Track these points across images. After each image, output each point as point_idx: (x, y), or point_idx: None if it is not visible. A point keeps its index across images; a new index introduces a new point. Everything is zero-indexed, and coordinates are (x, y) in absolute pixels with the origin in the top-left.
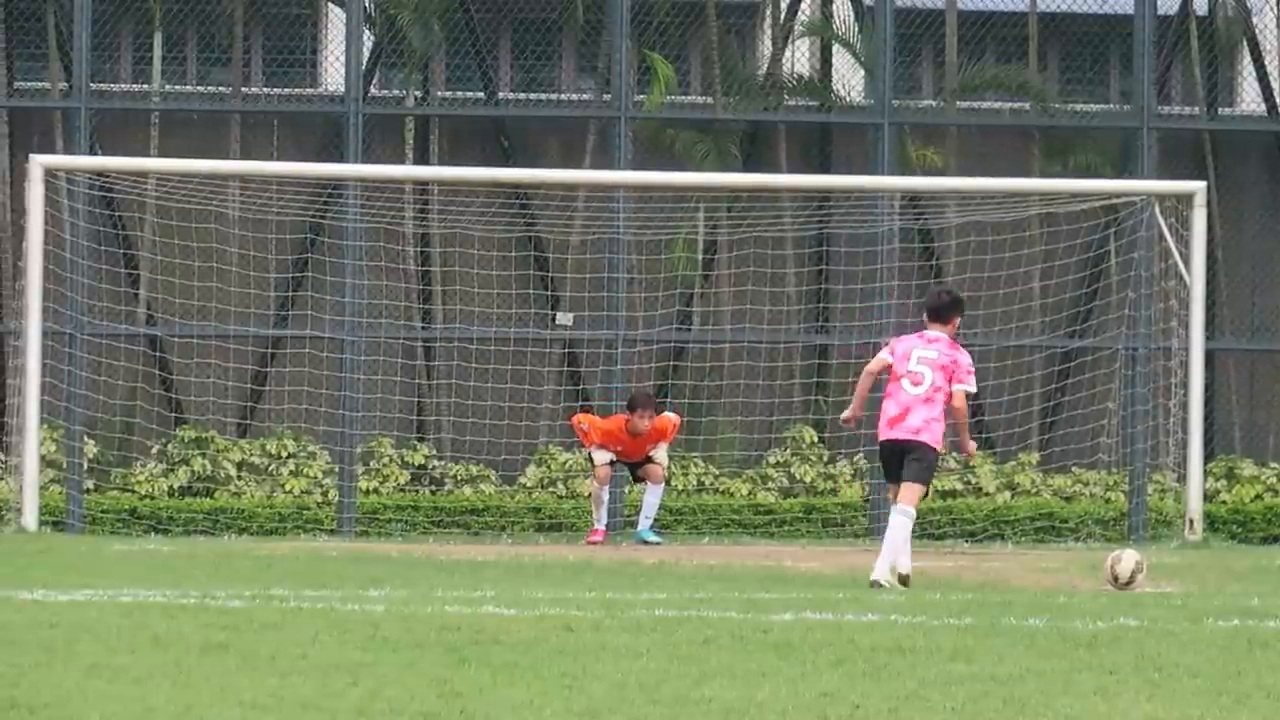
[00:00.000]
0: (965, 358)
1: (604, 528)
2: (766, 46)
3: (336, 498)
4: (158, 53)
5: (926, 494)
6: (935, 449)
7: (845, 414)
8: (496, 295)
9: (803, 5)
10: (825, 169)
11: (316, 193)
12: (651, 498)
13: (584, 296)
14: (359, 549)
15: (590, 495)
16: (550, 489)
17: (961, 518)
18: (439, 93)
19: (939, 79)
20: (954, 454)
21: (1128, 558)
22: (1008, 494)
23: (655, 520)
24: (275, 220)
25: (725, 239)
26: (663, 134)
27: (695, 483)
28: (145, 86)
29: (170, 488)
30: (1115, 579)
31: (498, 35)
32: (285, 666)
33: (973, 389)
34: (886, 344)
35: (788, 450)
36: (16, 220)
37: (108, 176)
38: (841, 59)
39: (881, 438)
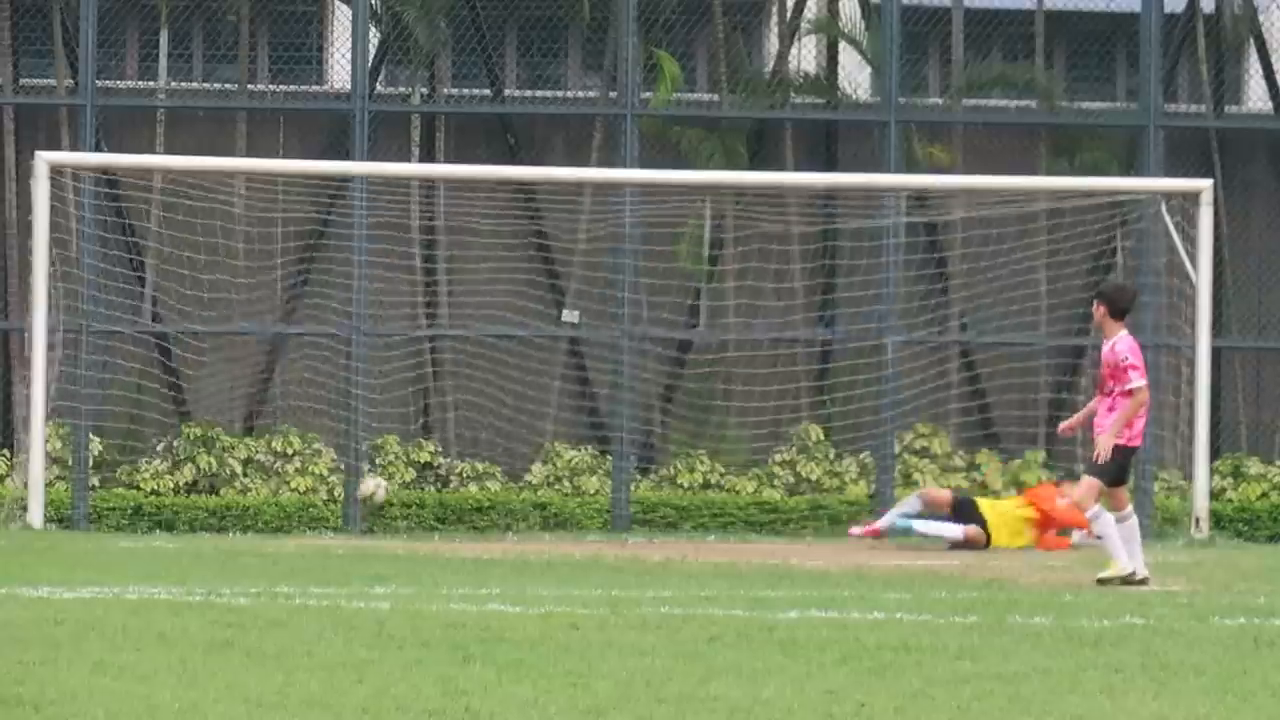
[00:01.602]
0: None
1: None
2: (773, 44)
3: (342, 495)
4: (164, 50)
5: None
6: None
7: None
8: (502, 292)
9: (809, 2)
10: (831, 167)
11: (322, 190)
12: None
13: (591, 292)
14: (364, 546)
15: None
16: (556, 486)
17: None
18: (445, 90)
19: (945, 77)
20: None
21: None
22: (1014, 492)
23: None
24: (281, 218)
25: (731, 236)
26: (669, 131)
27: (701, 480)
28: (151, 84)
29: (176, 485)
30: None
31: (504, 32)
32: (291, 664)
33: None
34: (1138, 369)
35: (794, 448)
36: (23, 218)
37: (113, 174)
38: (848, 56)
39: (1136, 444)
